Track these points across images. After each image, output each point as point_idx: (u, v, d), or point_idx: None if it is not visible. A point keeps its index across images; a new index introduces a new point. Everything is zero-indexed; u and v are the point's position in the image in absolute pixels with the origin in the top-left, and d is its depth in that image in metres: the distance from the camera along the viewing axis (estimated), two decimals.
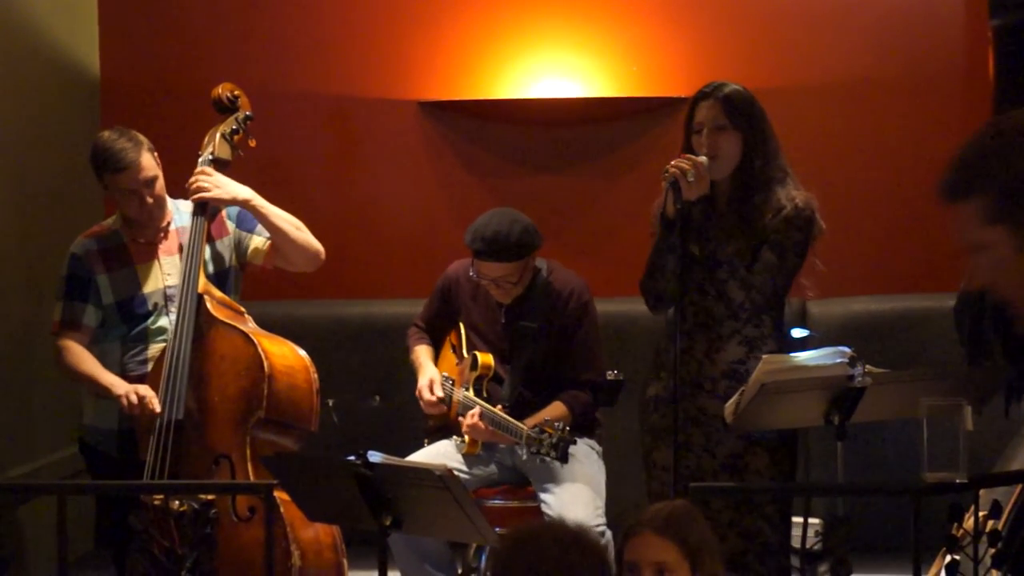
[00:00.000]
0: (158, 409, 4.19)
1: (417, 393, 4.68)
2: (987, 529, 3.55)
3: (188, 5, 5.84)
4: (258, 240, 4.52)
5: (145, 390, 4.22)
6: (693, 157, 3.99)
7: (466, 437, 4.58)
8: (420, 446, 4.72)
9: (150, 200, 4.37)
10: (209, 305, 4.30)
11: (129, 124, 4.51)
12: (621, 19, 5.72)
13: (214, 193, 4.37)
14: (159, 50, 5.81)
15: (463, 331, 4.74)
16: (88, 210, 5.32)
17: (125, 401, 4.20)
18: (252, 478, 4.15)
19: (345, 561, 4.29)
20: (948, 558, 3.55)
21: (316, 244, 4.52)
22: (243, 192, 4.41)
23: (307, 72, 5.79)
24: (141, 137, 4.40)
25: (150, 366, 4.36)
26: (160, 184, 4.40)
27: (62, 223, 5.09)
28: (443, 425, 4.71)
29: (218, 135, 4.52)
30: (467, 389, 4.61)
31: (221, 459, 4.19)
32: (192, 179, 4.40)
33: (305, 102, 5.79)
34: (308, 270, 4.57)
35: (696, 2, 5.73)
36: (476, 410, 4.47)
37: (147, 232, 4.46)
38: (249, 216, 4.48)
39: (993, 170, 2.19)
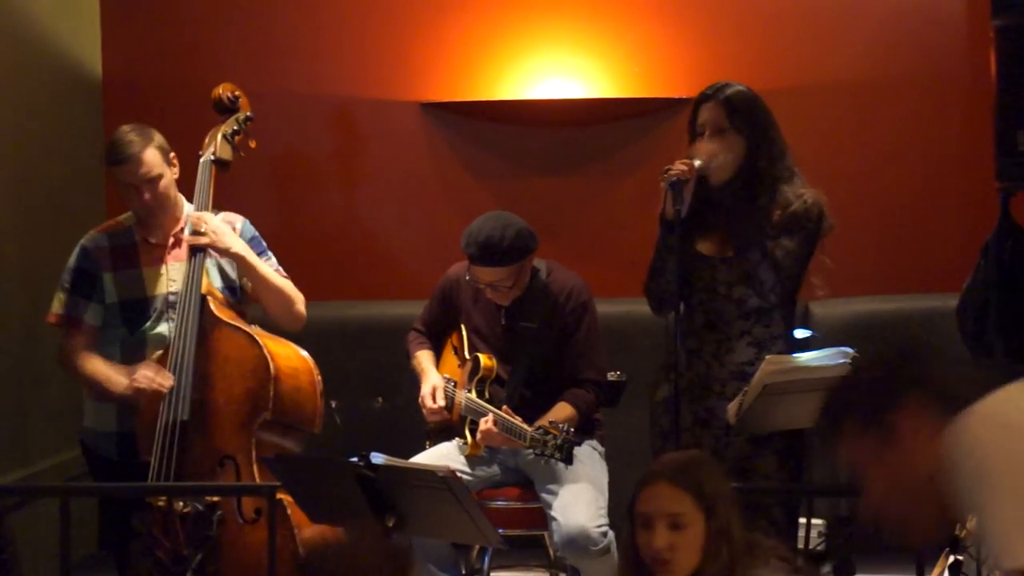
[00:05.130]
0: (168, 384, 4.18)
1: (420, 401, 4.67)
2: None
3: (190, 5, 5.85)
4: None
5: (148, 367, 4.20)
6: (688, 161, 3.99)
7: (468, 438, 4.58)
8: (423, 448, 4.72)
9: (148, 197, 4.35)
10: (212, 306, 4.30)
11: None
12: (623, 20, 5.72)
13: (211, 239, 4.34)
14: (161, 50, 5.82)
15: (464, 333, 4.74)
16: (90, 210, 5.32)
17: (133, 388, 4.19)
18: (257, 480, 4.15)
19: None
20: (951, 558, 3.55)
21: (298, 311, 4.46)
22: (237, 245, 4.37)
23: (309, 73, 5.79)
24: (156, 134, 4.37)
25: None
26: (164, 184, 4.36)
27: (63, 223, 5.09)
28: (446, 427, 4.71)
29: (219, 136, 4.51)
30: (469, 391, 4.61)
31: (226, 460, 4.18)
32: (192, 230, 4.36)
33: (307, 103, 5.79)
34: (286, 330, 4.51)
35: (698, 3, 5.73)
36: (489, 417, 4.47)
37: (158, 232, 4.45)
38: (256, 243, 4.46)
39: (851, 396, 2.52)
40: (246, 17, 5.81)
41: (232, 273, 4.48)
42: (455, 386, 4.69)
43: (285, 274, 4.51)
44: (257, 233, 4.51)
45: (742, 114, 4.03)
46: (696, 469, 2.99)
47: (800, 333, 4.33)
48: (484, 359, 4.63)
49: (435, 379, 4.69)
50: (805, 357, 3.86)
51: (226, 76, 4.73)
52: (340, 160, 5.89)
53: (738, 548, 2.95)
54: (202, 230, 4.33)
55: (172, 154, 4.41)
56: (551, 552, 4.67)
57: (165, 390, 4.19)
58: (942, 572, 3.83)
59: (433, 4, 5.78)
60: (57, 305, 4.42)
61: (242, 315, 4.41)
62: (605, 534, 4.33)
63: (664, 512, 2.93)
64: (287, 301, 4.45)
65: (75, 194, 5.43)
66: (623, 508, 3.01)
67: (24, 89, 5.21)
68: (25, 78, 5.23)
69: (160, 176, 4.35)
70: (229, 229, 4.40)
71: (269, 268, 4.44)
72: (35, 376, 5.12)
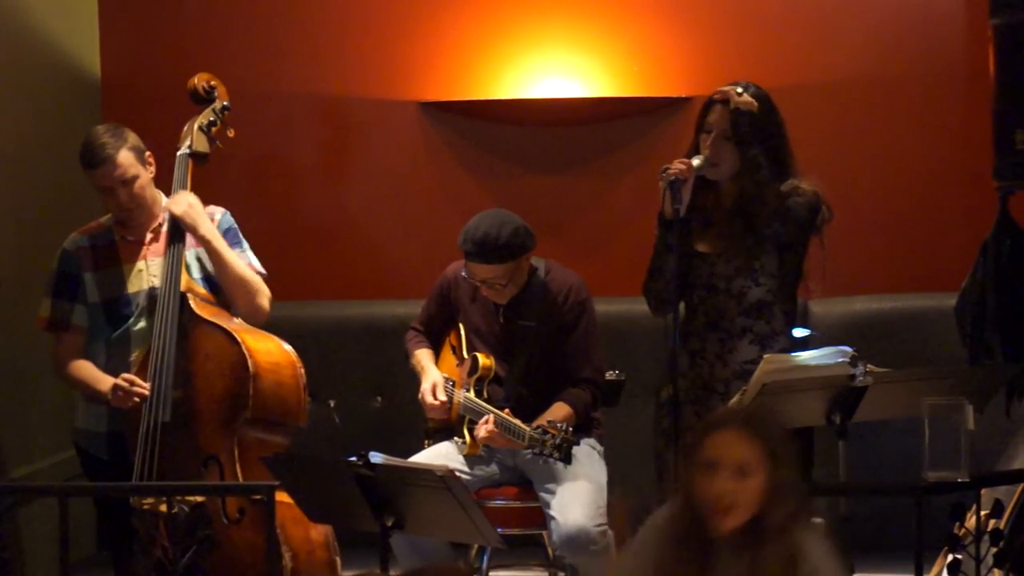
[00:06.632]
0: (146, 392, 4.17)
1: (420, 397, 4.67)
2: (989, 528, 3.56)
3: (189, 5, 5.84)
4: None
5: (127, 377, 4.21)
6: (687, 160, 4.01)
7: (467, 438, 4.58)
8: (421, 447, 4.72)
9: (125, 199, 4.34)
10: (192, 303, 4.28)
11: (130, 123, 4.51)
12: (622, 19, 5.72)
13: (184, 211, 4.32)
14: (160, 49, 5.81)
15: (463, 332, 4.74)
16: (87, 210, 5.30)
17: (110, 395, 4.20)
18: (241, 479, 4.13)
19: (338, 559, 4.27)
20: (950, 557, 3.55)
21: (260, 303, 4.42)
22: (205, 227, 4.35)
23: (307, 72, 5.78)
24: (129, 135, 4.37)
25: (134, 369, 4.32)
26: (140, 184, 4.35)
27: (61, 223, 5.07)
28: (444, 426, 4.71)
29: (195, 127, 4.48)
30: (468, 390, 4.61)
31: (210, 461, 4.16)
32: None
33: (305, 102, 5.79)
34: (247, 322, 4.45)
35: (697, 2, 5.73)
36: (490, 417, 4.47)
37: (137, 230, 4.45)
38: (232, 235, 4.45)
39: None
40: (245, 17, 5.81)
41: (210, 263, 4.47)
42: (454, 385, 4.69)
43: (261, 269, 4.49)
44: (236, 226, 4.49)
45: (751, 129, 4.04)
46: (765, 419, 2.98)
47: (799, 332, 4.33)
48: (482, 358, 4.63)
49: (435, 375, 4.69)
50: (804, 356, 3.87)
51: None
52: (339, 159, 5.89)
53: (796, 504, 2.93)
54: (179, 208, 4.31)
55: (147, 153, 4.40)
56: (550, 551, 4.66)
57: (146, 394, 4.18)
58: (941, 570, 3.83)
59: (432, 3, 5.78)
60: (44, 310, 4.43)
61: (226, 308, 4.40)
62: (604, 533, 4.33)
63: (731, 459, 2.90)
64: (248, 292, 4.41)
65: (73, 195, 5.42)
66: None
67: (22, 89, 5.20)
68: (23, 78, 5.22)
69: (136, 177, 4.34)
70: (204, 214, 4.38)
71: (235, 257, 4.41)
72: (35, 374, 5.11)
